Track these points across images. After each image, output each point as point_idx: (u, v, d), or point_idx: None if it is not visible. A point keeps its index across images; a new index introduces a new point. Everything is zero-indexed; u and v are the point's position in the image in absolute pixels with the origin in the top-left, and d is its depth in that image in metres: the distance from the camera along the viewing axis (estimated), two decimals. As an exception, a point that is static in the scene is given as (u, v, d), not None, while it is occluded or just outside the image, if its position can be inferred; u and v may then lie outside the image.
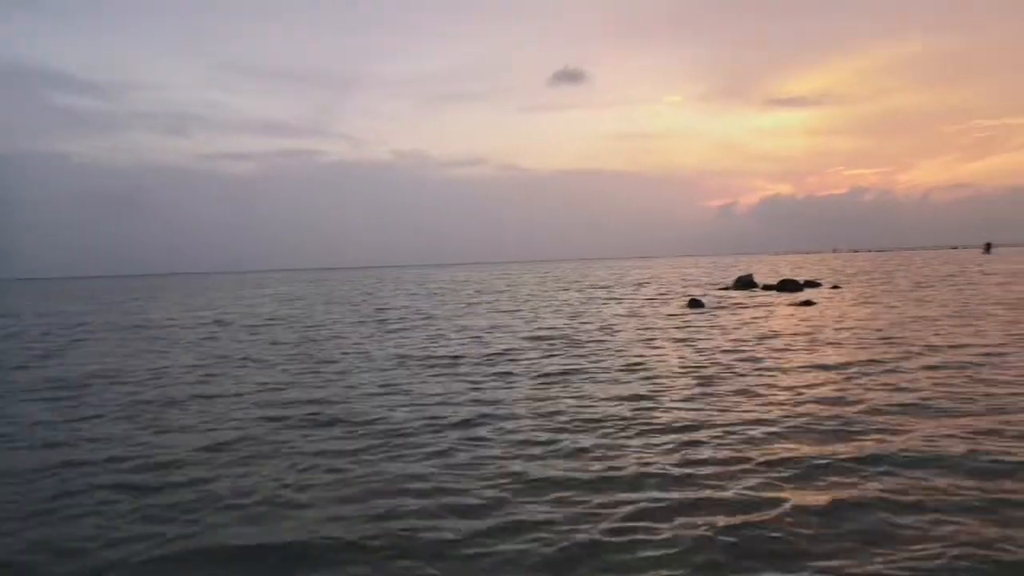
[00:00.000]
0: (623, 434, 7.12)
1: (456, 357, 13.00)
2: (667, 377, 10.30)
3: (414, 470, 6.13)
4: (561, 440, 6.94)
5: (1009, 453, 5.99)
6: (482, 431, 7.43)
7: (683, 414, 7.88)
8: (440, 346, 14.80)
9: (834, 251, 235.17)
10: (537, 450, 6.65)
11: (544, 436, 7.12)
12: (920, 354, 11.46)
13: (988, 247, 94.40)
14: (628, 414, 7.97)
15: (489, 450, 6.69)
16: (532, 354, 13.07)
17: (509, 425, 7.65)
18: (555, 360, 12.23)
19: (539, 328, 17.82)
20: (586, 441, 6.86)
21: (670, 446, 6.61)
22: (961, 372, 9.76)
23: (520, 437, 7.12)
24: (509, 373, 11.09)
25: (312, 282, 78.36)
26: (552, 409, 8.35)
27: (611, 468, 6.00)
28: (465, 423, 7.79)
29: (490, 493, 5.46)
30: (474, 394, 9.51)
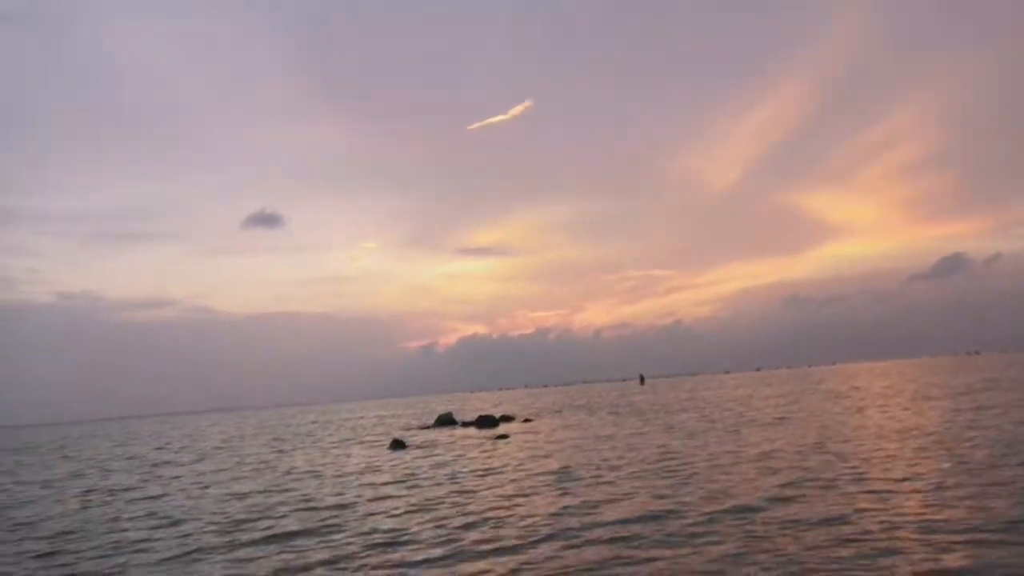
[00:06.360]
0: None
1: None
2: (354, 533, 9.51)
3: None
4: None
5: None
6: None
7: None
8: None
9: (526, 386, 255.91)
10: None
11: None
12: (588, 486, 12.32)
13: (642, 379, 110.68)
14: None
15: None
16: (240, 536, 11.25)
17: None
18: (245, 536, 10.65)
19: (228, 493, 15.70)
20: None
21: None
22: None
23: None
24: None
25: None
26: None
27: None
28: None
29: None
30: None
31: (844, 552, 6.61)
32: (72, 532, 11.36)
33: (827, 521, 7.85)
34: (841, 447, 14.07)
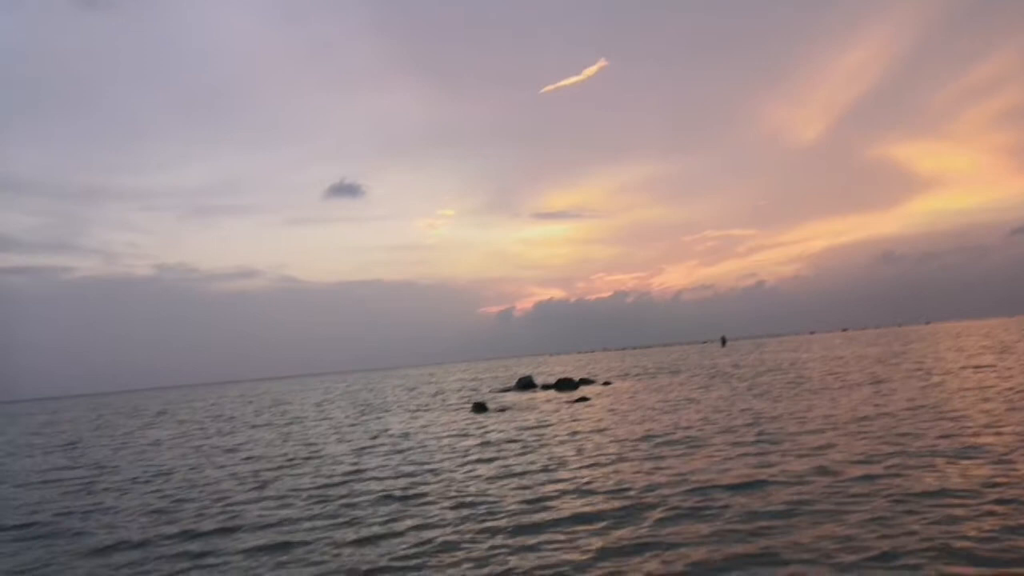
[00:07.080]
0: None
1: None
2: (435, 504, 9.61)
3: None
4: None
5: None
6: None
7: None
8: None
9: (604, 349, 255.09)
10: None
11: None
12: (679, 452, 12.05)
13: (724, 341, 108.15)
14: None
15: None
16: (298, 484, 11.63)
17: None
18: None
19: (322, 455, 16.26)
20: None
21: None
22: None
23: None
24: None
25: (52, 413, 66.67)
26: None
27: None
28: None
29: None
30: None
31: (988, 524, 6.13)
32: (181, 489, 12.05)
33: (945, 492, 7.33)
34: (946, 410, 13.24)
